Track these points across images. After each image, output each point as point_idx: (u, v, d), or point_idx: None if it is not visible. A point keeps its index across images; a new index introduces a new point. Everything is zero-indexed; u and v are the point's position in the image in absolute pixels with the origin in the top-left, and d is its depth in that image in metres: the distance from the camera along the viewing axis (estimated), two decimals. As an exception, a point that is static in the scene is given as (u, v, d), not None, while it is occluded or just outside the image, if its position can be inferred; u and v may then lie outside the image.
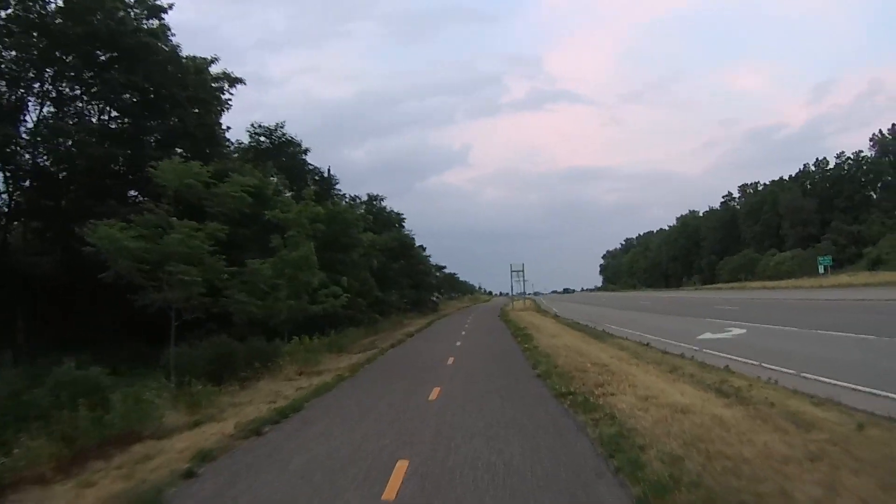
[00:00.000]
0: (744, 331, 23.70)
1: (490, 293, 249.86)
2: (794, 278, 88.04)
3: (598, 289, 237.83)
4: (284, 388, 17.37)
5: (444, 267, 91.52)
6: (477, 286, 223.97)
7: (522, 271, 71.37)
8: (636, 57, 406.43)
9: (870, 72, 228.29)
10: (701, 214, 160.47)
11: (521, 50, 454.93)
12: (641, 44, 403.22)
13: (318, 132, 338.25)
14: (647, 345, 21.40)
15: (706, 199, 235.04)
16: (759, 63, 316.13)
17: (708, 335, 23.24)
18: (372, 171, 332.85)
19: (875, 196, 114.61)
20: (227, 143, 39.23)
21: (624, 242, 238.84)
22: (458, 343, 29.20)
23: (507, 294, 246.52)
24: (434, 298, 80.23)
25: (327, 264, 32.98)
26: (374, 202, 64.18)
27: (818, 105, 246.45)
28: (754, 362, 15.19)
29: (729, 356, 16.50)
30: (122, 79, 30.49)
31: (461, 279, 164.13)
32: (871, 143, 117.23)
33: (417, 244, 71.65)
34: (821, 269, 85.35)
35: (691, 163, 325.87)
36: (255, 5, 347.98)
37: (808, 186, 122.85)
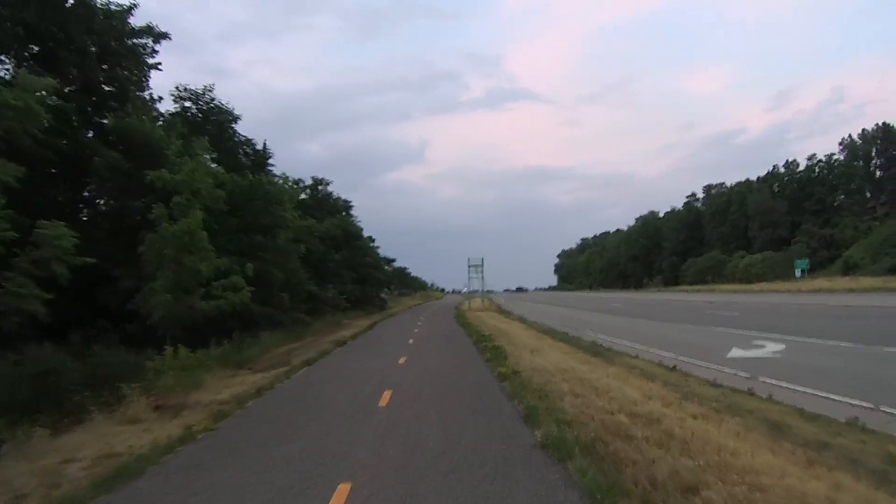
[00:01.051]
0: (782, 346, 18.06)
1: (443, 290, 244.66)
2: (765, 281, 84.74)
3: (552, 288, 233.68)
4: (110, 439, 10.67)
5: (394, 260, 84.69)
6: (430, 283, 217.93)
7: (481, 266, 62.34)
8: (595, 58, 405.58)
9: (832, 79, 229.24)
10: (661, 215, 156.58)
11: (482, 48, 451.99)
12: (601, 45, 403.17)
13: (274, 124, 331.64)
14: (674, 368, 15.40)
15: (664, 202, 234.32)
16: (719, 68, 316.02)
17: (739, 352, 17.55)
18: (328, 166, 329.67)
19: (845, 199, 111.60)
20: (152, 109, 32.14)
21: (580, 242, 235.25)
22: (402, 360, 20.56)
23: (461, 291, 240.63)
24: (382, 295, 73.22)
25: (246, 249, 26.00)
26: (319, 186, 57.35)
27: (779, 111, 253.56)
28: (867, 404, 9.96)
29: (805, 389, 11.68)
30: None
31: (413, 275, 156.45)
32: (841, 148, 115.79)
33: (367, 235, 65.58)
34: (797, 273, 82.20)
35: (649, 165, 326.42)
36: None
37: (777, 189, 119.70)
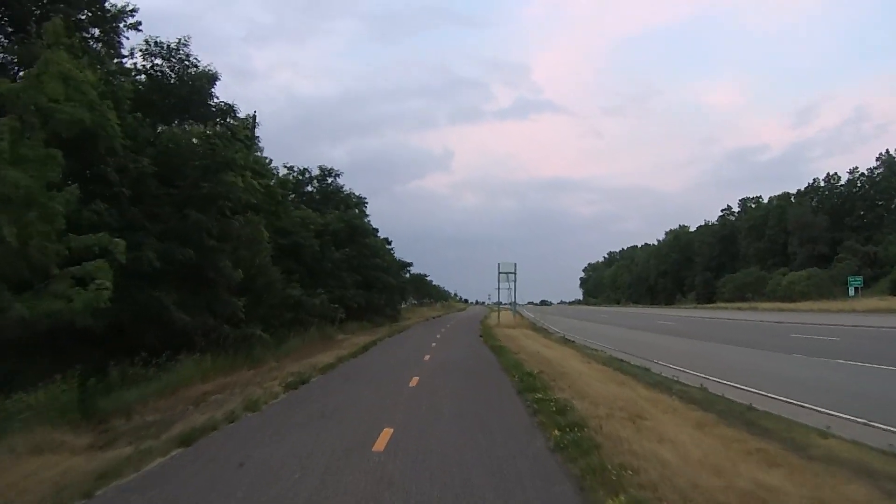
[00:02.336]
0: None
1: (465, 301, 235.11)
2: (810, 300, 75.67)
3: (576, 302, 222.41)
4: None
5: (410, 264, 73.40)
6: (452, 293, 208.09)
7: (514, 273, 47.35)
8: (617, 70, 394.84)
9: (855, 97, 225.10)
10: (692, 229, 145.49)
11: (506, 57, 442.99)
12: (623, 57, 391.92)
13: (297, 128, 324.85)
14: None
15: (685, 216, 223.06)
16: (740, 82, 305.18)
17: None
18: (350, 171, 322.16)
19: (888, 216, 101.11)
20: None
21: (607, 255, 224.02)
22: (384, 436, 9.45)
23: (485, 303, 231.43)
24: (400, 304, 64.71)
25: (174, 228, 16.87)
26: (328, 177, 48.27)
27: (801, 129, 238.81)
28: None
29: None
30: None
31: (434, 283, 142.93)
32: (878, 163, 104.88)
33: (382, 235, 56.19)
34: (851, 291, 74.95)
35: (670, 178, 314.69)
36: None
37: (815, 203, 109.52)
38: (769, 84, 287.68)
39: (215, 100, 28.16)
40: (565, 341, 29.68)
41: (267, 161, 34.02)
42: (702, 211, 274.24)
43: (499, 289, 48.21)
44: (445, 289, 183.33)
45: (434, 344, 30.21)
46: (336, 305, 30.65)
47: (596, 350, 25.02)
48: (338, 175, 49.45)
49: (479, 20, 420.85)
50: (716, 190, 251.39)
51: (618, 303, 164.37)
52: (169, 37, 23.68)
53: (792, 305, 71.36)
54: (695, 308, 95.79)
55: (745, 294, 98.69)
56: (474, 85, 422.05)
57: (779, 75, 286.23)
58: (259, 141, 32.33)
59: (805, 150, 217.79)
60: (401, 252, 70.23)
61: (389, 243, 62.85)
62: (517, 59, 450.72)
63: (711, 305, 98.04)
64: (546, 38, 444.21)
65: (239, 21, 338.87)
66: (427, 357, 23.34)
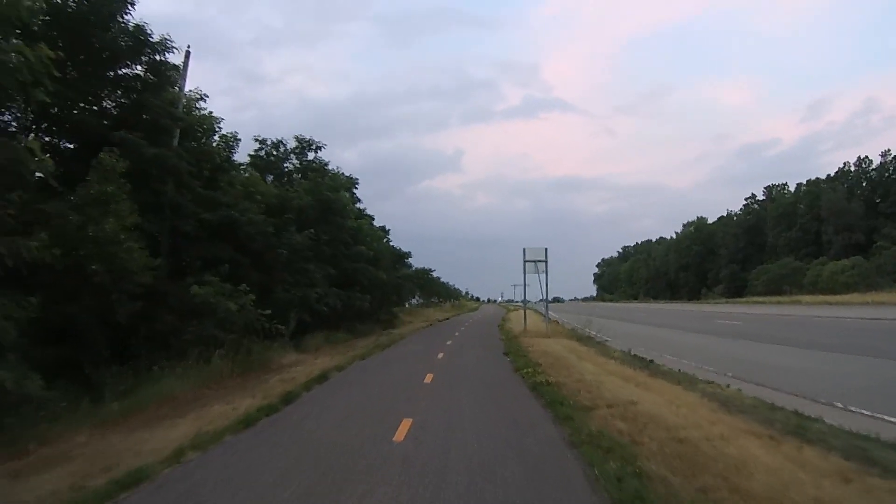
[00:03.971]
0: None
1: (478, 299, 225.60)
2: (855, 291, 67.07)
3: (590, 299, 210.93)
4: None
5: (409, 255, 58.12)
6: (463, 291, 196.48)
7: (546, 261, 32.60)
8: (629, 68, 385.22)
9: (864, 91, 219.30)
10: (710, 222, 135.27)
11: (517, 57, 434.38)
12: (634, 55, 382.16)
13: (309, 132, 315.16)
14: None
15: (698, 212, 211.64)
16: (751, 79, 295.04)
17: None
18: (363, 173, 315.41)
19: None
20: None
21: (621, 251, 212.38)
22: None
23: (497, 301, 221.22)
24: (396, 306, 51.69)
25: None
26: (308, 150, 36.70)
27: (811, 123, 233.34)
28: None
29: None
30: None
31: (443, 281, 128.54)
32: None
33: (364, 211, 44.28)
34: None
35: (682, 175, 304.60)
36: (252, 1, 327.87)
37: (846, 188, 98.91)
38: (779, 80, 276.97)
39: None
40: (643, 363, 18.04)
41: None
42: (714, 206, 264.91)
43: (524, 282, 34.17)
44: (456, 287, 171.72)
45: (429, 378, 16.11)
46: (266, 312, 18.51)
47: (720, 384, 13.38)
48: (319, 148, 38.14)
49: (490, 21, 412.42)
50: (727, 186, 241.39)
51: (635, 298, 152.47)
52: None
53: (841, 298, 60.77)
54: (726, 303, 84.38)
55: (783, 287, 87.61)
56: (485, 85, 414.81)
57: (788, 72, 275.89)
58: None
59: (815, 144, 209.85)
60: (413, 255, 58.33)
61: (387, 232, 51.45)
62: (528, 60, 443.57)
63: (744, 300, 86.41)
64: (558, 38, 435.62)
65: (249, 25, 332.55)
66: (403, 428, 9.69)
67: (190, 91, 22.68)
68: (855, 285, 73.03)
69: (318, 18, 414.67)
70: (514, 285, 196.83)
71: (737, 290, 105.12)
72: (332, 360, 19.74)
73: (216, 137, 25.68)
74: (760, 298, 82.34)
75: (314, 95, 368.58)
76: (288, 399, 12.79)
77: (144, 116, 17.91)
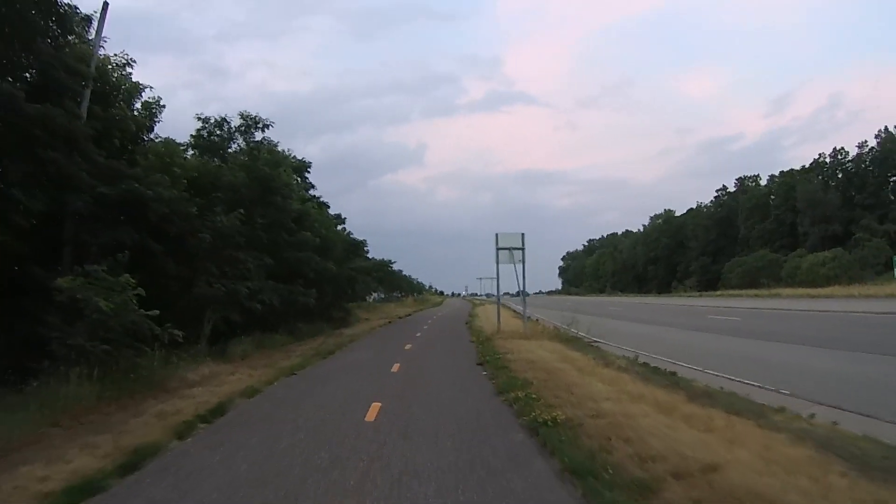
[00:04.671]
0: None
1: (442, 293, 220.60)
2: (837, 284, 64.53)
3: (556, 292, 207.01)
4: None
5: (365, 243, 50.17)
6: (427, 285, 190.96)
7: (522, 249, 26.99)
8: (592, 61, 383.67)
9: (829, 86, 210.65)
10: (678, 215, 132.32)
11: (479, 51, 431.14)
12: (598, 48, 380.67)
13: (273, 125, 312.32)
14: None
15: (662, 206, 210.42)
16: (716, 72, 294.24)
17: None
18: (325, 167, 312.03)
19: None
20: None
21: (586, 244, 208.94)
22: None
23: (461, 295, 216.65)
24: (350, 302, 45.68)
25: None
26: (255, 129, 31.18)
27: (776, 117, 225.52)
28: None
29: None
30: None
31: (405, 274, 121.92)
32: (878, 141, 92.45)
33: (319, 200, 39.22)
34: None
35: (645, 169, 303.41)
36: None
37: (821, 179, 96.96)
38: (743, 74, 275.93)
39: None
40: (664, 377, 13.21)
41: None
42: (678, 200, 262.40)
43: (497, 273, 28.23)
44: (420, 281, 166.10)
45: (374, 410, 10.70)
46: (151, 312, 13.48)
47: (794, 412, 8.93)
48: (268, 126, 32.97)
49: (453, 14, 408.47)
50: (690, 179, 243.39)
51: (601, 292, 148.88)
52: None
53: (823, 291, 58.11)
54: (703, 296, 79.96)
55: (759, 279, 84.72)
56: (448, 79, 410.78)
57: (753, 65, 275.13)
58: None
59: (780, 139, 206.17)
60: (375, 247, 52.96)
61: (342, 220, 46.36)
62: (491, 53, 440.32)
63: (718, 293, 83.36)
64: (521, 32, 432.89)
65: (212, 19, 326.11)
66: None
67: (115, 56, 19.31)
68: (836, 278, 70.50)
69: (281, 13, 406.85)
70: (480, 278, 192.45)
71: (709, 283, 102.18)
72: (251, 377, 14.49)
73: (138, 105, 21.13)
74: (736, 291, 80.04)
75: (276, 89, 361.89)
76: (140, 457, 7.73)
77: (32, 69, 14.86)
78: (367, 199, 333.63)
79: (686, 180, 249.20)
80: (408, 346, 23.89)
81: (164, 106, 22.09)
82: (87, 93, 15.85)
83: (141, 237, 16.43)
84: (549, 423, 8.67)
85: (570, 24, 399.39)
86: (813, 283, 69.72)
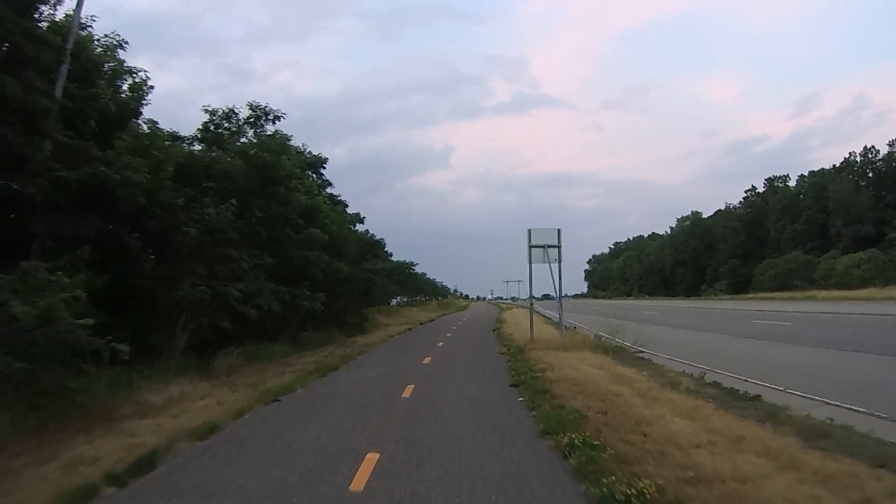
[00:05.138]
0: None
1: (467, 297, 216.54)
2: (874, 286, 61.37)
3: (581, 296, 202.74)
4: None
5: (382, 243, 45.89)
6: (452, 289, 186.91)
7: (559, 246, 22.91)
8: (617, 63, 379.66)
9: (854, 87, 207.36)
10: (705, 216, 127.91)
11: (505, 52, 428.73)
12: (623, 50, 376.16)
13: (297, 129, 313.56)
14: None
15: (687, 208, 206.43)
16: (740, 74, 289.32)
17: None
18: (351, 169, 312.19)
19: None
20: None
21: (612, 246, 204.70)
22: None
23: (486, 298, 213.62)
24: (366, 307, 39.47)
25: None
26: (263, 120, 27.77)
27: (800, 119, 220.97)
28: None
29: None
30: None
31: (429, 277, 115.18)
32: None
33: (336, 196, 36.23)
34: None
35: (670, 171, 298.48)
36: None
37: (853, 179, 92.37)
38: (768, 76, 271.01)
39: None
40: (750, 404, 9.93)
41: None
42: (702, 202, 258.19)
43: (530, 274, 24.59)
44: (444, 284, 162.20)
45: (368, 464, 7.52)
46: (86, 321, 10.24)
47: None
48: (279, 118, 30.26)
49: (477, 15, 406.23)
50: (715, 182, 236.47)
51: (629, 295, 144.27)
52: None
53: (861, 293, 54.66)
54: (735, 299, 76.41)
55: (793, 281, 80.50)
56: (473, 80, 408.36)
57: (777, 67, 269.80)
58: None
59: (805, 140, 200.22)
60: (400, 252, 48.88)
61: (361, 220, 43.00)
62: (516, 54, 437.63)
63: (750, 296, 79.84)
64: (545, 32, 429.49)
65: (237, 21, 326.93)
66: None
67: (106, 37, 18.16)
68: (871, 280, 67.27)
69: (306, 14, 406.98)
70: (507, 281, 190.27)
71: (740, 286, 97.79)
72: (219, 404, 11.26)
73: (125, 87, 19.11)
74: (769, 294, 75.70)
75: (302, 91, 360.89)
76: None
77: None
78: (393, 201, 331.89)
79: (712, 182, 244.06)
80: (426, 360, 20.46)
81: (152, 87, 19.82)
82: (64, 69, 14.11)
83: (113, 230, 13.92)
84: (635, 499, 5.58)
85: (594, 26, 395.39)
86: (847, 286, 66.63)
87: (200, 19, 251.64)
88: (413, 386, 13.94)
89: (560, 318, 23.77)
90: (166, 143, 18.49)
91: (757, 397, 10.89)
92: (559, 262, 22.97)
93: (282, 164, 21.94)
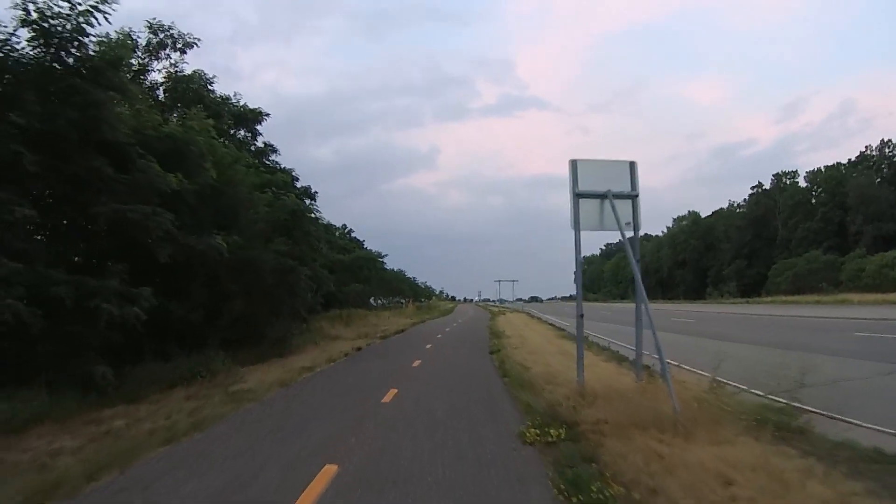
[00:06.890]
0: None
1: (454, 299, 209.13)
2: None
3: (570, 298, 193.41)
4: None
5: (344, 228, 34.04)
6: (439, 290, 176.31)
7: (634, 197, 11.11)
8: (603, 65, 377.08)
9: (841, 92, 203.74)
10: (704, 216, 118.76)
11: (490, 53, 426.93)
12: (609, 52, 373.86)
13: (283, 127, 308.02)
14: None
15: (674, 212, 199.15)
16: (726, 78, 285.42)
17: None
18: (336, 170, 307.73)
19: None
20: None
21: (603, 248, 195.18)
22: None
23: (473, 300, 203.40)
24: (306, 313, 24.22)
25: None
26: (169, 45, 21.98)
27: (787, 123, 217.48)
28: None
29: None
30: None
31: (409, 276, 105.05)
32: None
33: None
34: None
35: (656, 175, 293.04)
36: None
37: (873, 173, 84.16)
38: (754, 79, 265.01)
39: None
40: None
41: None
42: (689, 205, 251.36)
43: (577, 246, 11.99)
44: (429, 285, 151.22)
45: None
46: None
47: None
48: (190, 45, 23.02)
49: (465, 17, 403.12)
50: (701, 185, 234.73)
51: (622, 298, 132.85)
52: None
53: None
54: (752, 303, 65.20)
55: (817, 284, 70.46)
56: (460, 82, 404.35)
57: (764, 71, 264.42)
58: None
59: (791, 145, 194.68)
60: (384, 251, 36.73)
61: (312, 197, 31.54)
62: (502, 56, 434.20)
63: (770, 299, 68.65)
64: (532, 35, 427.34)
65: (225, 20, 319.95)
66: None
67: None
68: (902, 281, 59.00)
69: (292, 13, 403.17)
70: (498, 281, 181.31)
71: (749, 288, 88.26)
72: None
73: None
74: (791, 297, 64.71)
75: (287, 91, 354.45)
76: None
77: None
78: (378, 203, 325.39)
79: (698, 186, 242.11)
80: (330, 470, 6.83)
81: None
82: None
83: None
84: None
85: (580, 28, 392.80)
86: (880, 288, 57.70)
87: (187, 18, 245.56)
88: None
89: (638, 346, 11.26)
90: None
91: None
92: (635, 226, 11.41)
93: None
